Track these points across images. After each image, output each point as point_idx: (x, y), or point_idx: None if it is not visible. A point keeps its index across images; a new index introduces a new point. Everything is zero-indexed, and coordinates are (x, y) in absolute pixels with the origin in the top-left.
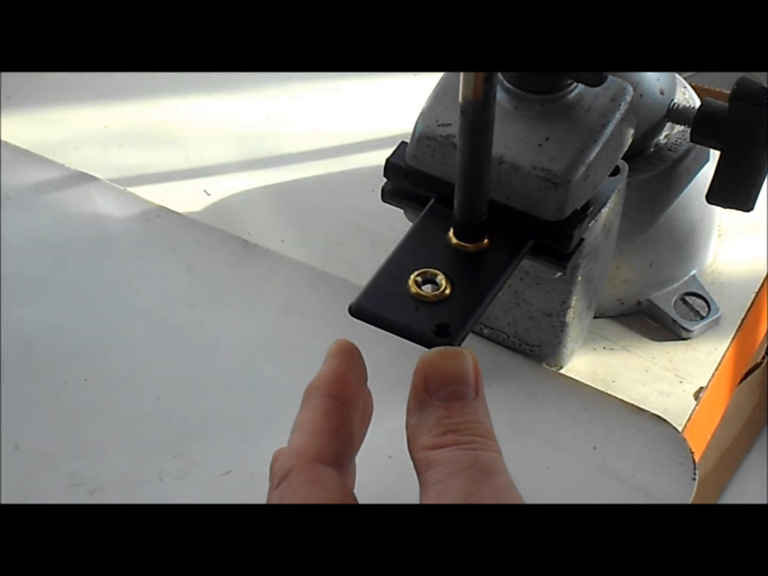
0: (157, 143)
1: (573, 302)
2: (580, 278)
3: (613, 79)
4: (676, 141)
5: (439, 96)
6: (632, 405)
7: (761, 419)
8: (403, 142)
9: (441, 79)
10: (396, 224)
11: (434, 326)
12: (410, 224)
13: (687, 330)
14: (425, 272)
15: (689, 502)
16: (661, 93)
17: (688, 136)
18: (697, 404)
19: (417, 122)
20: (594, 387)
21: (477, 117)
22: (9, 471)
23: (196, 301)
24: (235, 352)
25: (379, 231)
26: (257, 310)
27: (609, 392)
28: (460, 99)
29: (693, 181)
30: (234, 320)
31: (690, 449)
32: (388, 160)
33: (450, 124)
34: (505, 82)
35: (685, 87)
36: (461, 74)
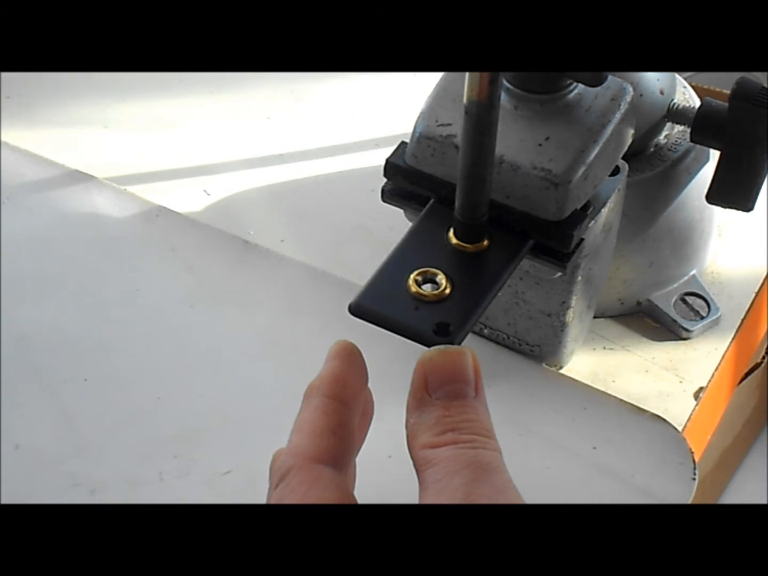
0: (157, 143)
1: (573, 302)
2: (580, 278)
3: (613, 79)
4: (676, 141)
5: (439, 96)
6: (632, 405)
7: (761, 419)
8: (403, 142)
9: (441, 79)
10: (396, 224)
11: (434, 325)
12: (410, 224)
13: (687, 330)
14: (425, 272)
15: (689, 502)
16: (661, 93)
17: (688, 136)
18: (697, 404)
19: (417, 122)
20: (594, 387)
21: (481, 118)
22: (9, 471)
23: (196, 301)
24: (235, 352)
25: (379, 231)
26: (257, 310)
27: (609, 392)
28: (464, 100)
29: (693, 181)
30: (234, 320)
31: (690, 449)
32: (388, 160)
33: (450, 124)
34: (506, 82)
35: (685, 87)
36: (466, 75)
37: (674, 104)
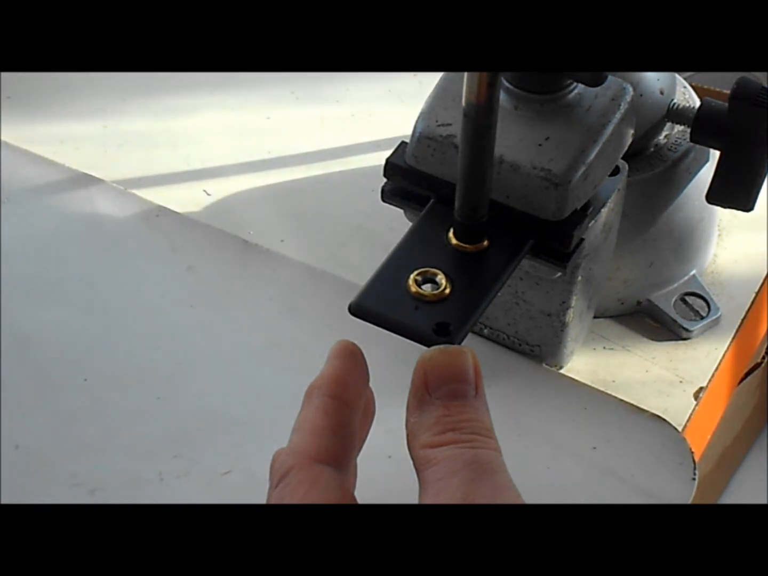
0: (157, 143)
1: (573, 302)
2: (580, 278)
3: (613, 79)
4: (676, 141)
5: (439, 96)
6: (632, 405)
7: (761, 419)
8: (403, 142)
9: (441, 79)
10: (396, 224)
11: (434, 325)
12: (410, 224)
13: (687, 330)
14: (425, 272)
15: (689, 502)
16: (661, 93)
17: (688, 136)
18: (697, 404)
19: (417, 122)
20: (594, 387)
21: (480, 121)
22: (9, 471)
23: (196, 301)
24: (235, 352)
25: (379, 231)
26: (257, 310)
27: (609, 392)
28: (463, 103)
29: (693, 181)
30: (234, 320)
31: (690, 449)
32: (388, 160)
33: (450, 124)
34: (505, 82)
35: (685, 87)
36: (465, 78)
37: (674, 104)
